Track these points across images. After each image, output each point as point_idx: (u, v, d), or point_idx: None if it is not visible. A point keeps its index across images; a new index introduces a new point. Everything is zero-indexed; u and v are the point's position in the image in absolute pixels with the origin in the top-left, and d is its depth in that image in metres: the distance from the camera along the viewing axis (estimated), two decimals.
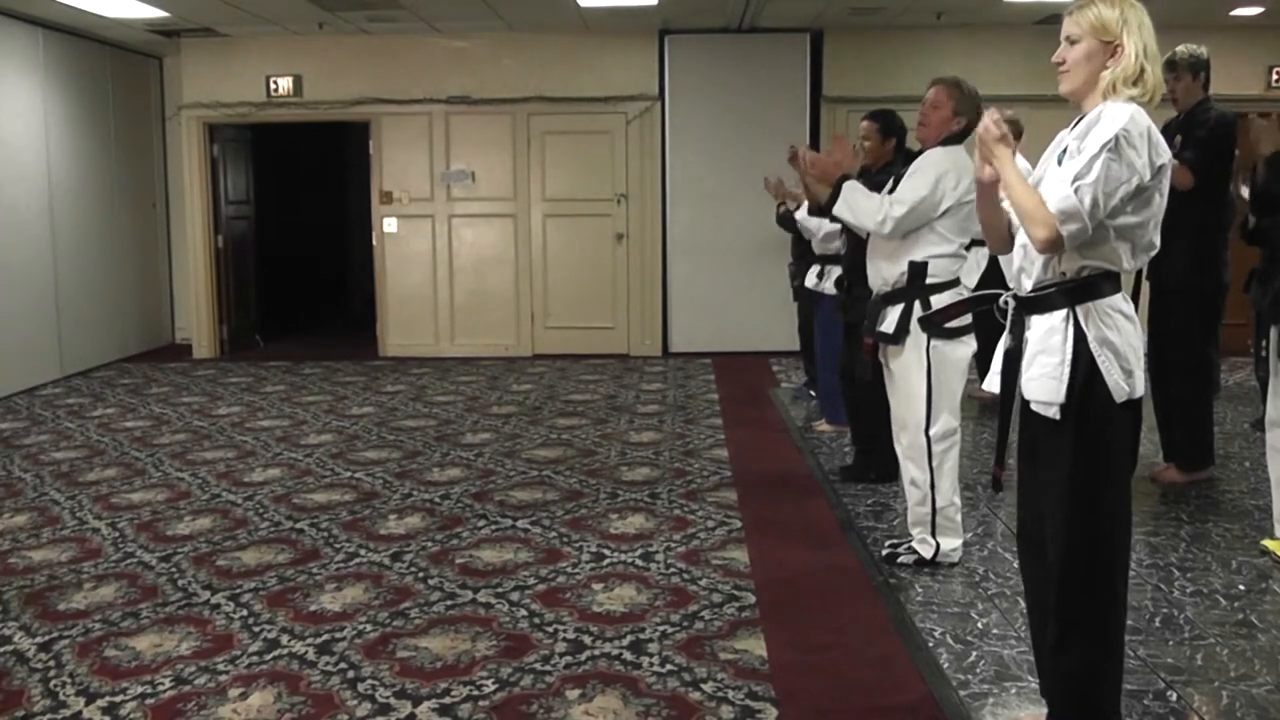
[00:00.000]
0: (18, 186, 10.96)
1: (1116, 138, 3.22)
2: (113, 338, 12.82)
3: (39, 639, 4.84)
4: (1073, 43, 3.40)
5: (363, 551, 5.87)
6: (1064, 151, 3.41)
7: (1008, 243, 3.64)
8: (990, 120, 3.44)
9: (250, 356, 13.13)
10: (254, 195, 14.13)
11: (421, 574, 5.49)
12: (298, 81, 12.72)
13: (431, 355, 12.81)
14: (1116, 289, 3.42)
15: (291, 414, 9.62)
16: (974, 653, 4.42)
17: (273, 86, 12.75)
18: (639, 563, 5.58)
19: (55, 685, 4.37)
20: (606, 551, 5.77)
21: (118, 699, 4.23)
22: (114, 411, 9.94)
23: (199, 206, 13.06)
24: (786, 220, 8.68)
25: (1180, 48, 6.47)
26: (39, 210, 11.32)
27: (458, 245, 12.81)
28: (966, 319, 5.16)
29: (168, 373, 12.05)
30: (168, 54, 13.46)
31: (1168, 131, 6.28)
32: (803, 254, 8.70)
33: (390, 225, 12.88)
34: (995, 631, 4.64)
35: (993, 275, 5.86)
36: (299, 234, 16.05)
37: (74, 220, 11.96)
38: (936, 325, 5.11)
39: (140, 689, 4.31)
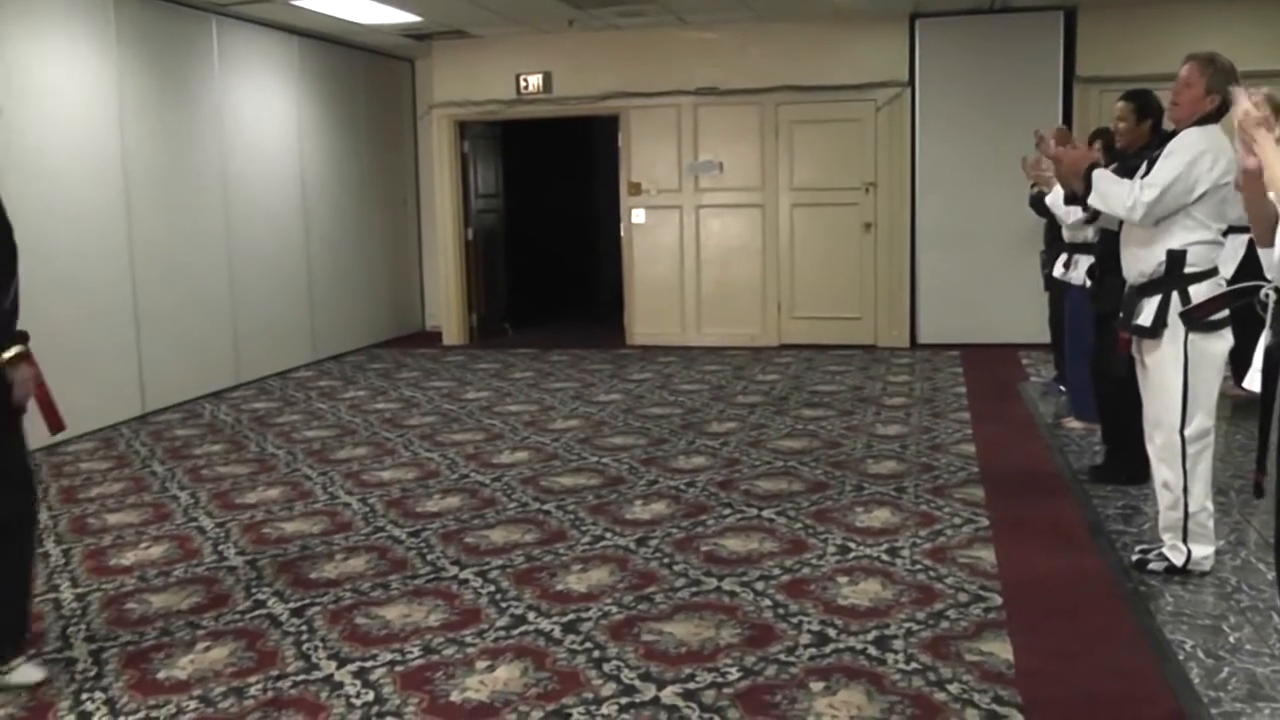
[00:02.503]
0: (275, 185, 11.51)
1: None
2: (364, 325, 13.31)
3: (292, 604, 5.05)
4: None
5: (608, 535, 5.93)
6: None
7: (1274, 235, 3.41)
8: (1250, 103, 3.23)
9: (499, 343, 13.42)
10: (503, 189, 14.46)
11: (666, 559, 5.52)
12: (547, 78, 12.94)
13: (678, 344, 12.88)
14: None
15: (539, 399, 9.79)
16: (1225, 669, 4.20)
17: (523, 84, 13.01)
18: (884, 558, 5.50)
19: (308, 649, 4.54)
20: (852, 545, 5.70)
21: (368, 665, 4.37)
22: (365, 394, 10.28)
23: (449, 201, 13.44)
24: (1038, 202, 8.42)
25: None
26: (293, 206, 11.86)
27: (705, 235, 12.84)
28: (1226, 310, 4.93)
29: (418, 358, 12.41)
30: (419, 56, 13.89)
31: None
32: (1054, 241, 8.45)
33: (638, 216, 12.99)
34: (1248, 647, 4.39)
35: (1250, 264, 5.57)
36: (547, 225, 16.34)
37: (326, 215, 12.49)
38: (1198, 320, 4.89)
39: (390, 656, 4.45)
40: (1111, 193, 5.02)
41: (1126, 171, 5.25)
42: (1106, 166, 5.39)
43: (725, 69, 12.52)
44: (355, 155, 13.17)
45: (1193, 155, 4.87)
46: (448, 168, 13.41)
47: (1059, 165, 5.44)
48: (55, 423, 4.45)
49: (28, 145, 8.26)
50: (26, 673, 4.32)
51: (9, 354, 4.20)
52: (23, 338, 4.28)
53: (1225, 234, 5.10)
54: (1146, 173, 5.02)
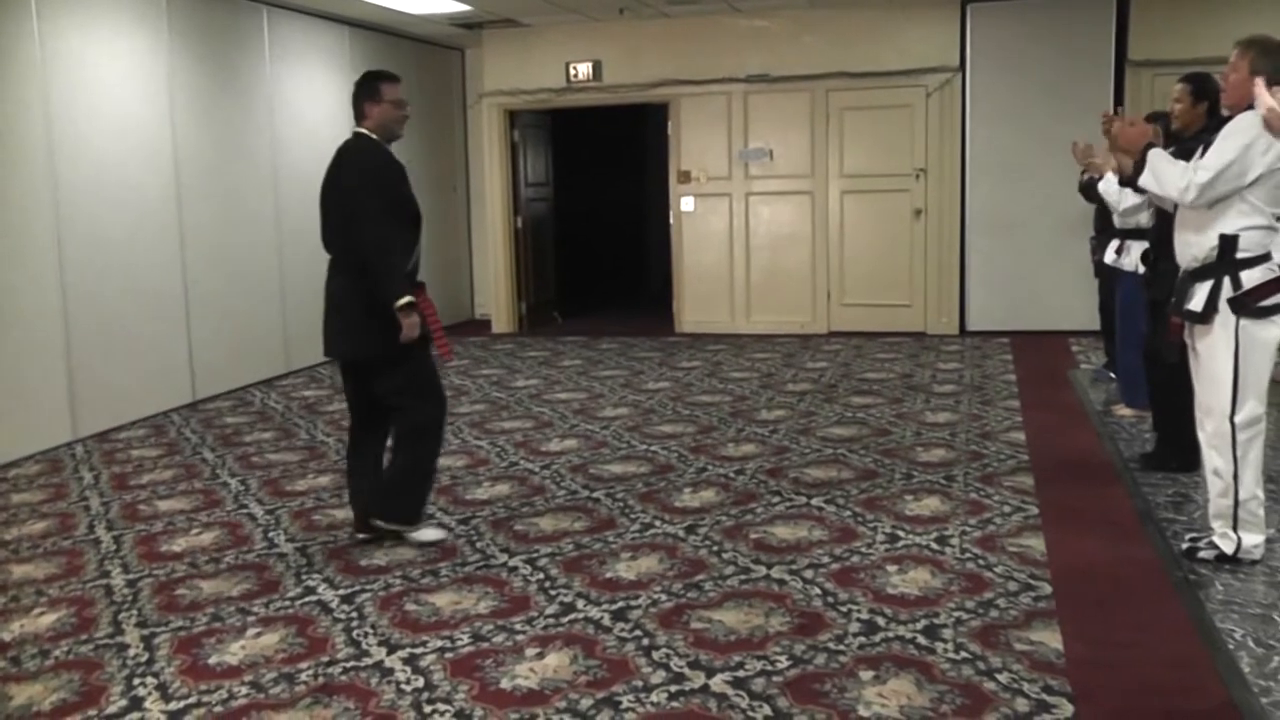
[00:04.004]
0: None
1: None
2: None
3: (342, 591, 5.08)
4: None
5: (658, 523, 5.94)
6: None
7: None
8: (1273, 101, 3.18)
9: (548, 332, 13.45)
10: (553, 177, 14.48)
11: (716, 547, 5.52)
12: (597, 67, 12.94)
13: (727, 332, 12.87)
14: None
15: (588, 387, 9.80)
16: (1276, 658, 4.14)
17: (572, 72, 13.03)
18: (934, 546, 5.47)
19: (358, 635, 4.58)
20: (901, 533, 5.68)
21: (418, 651, 4.40)
22: None
23: (499, 189, 13.49)
24: (1089, 189, 8.36)
25: None
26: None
27: (754, 223, 12.82)
28: (1277, 296, 4.88)
29: (468, 346, 12.45)
30: (469, 45, 13.94)
31: None
32: (1105, 228, 8.37)
33: (688, 204, 12.98)
34: None
35: None
36: (597, 214, 16.34)
37: None
38: (1248, 305, 4.84)
39: (439, 643, 4.47)
40: (1165, 173, 4.96)
41: (1183, 154, 5.19)
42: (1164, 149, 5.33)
43: (776, 56, 12.48)
44: (405, 145, 13.04)
45: (1248, 139, 4.79)
46: (497, 156, 13.44)
47: (1118, 141, 5.38)
48: (445, 351, 5.74)
49: (80, 135, 8.34)
50: (429, 533, 5.72)
51: (401, 303, 5.34)
52: (414, 290, 5.48)
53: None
54: (1203, 156, 4.97)
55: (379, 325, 5.39)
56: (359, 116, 5.93)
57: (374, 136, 5.91)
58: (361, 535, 5.74)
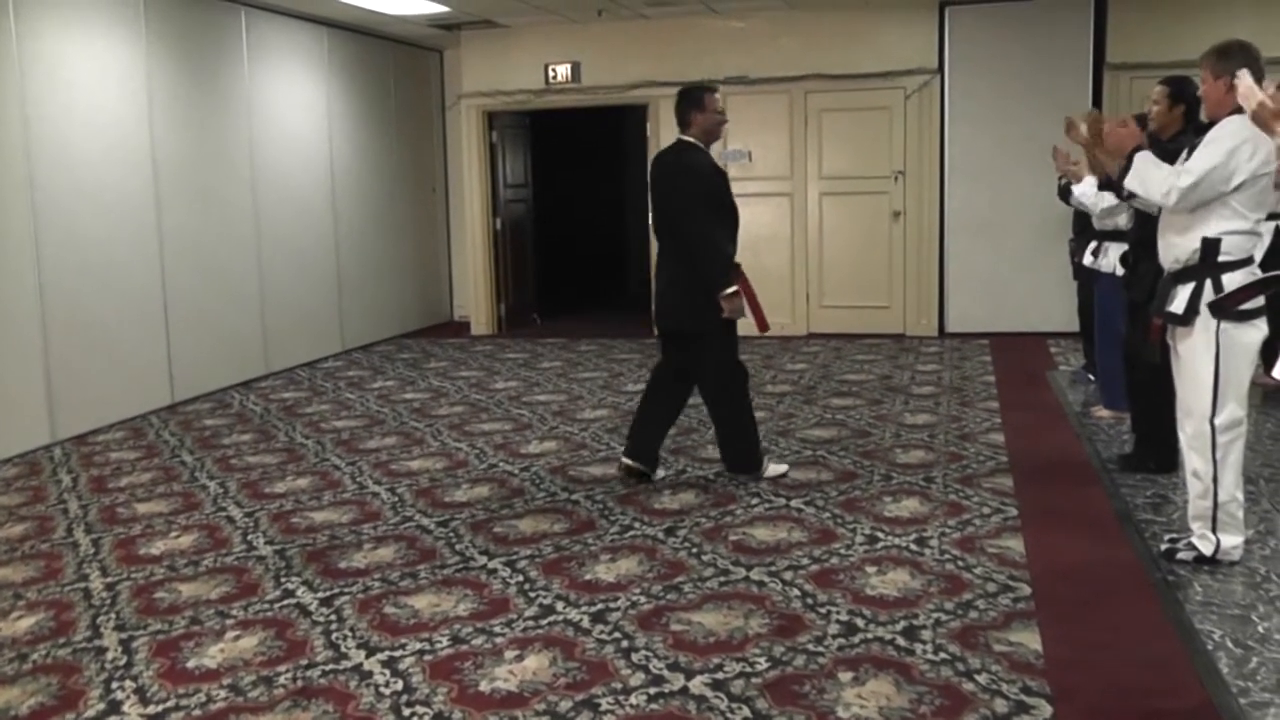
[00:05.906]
0: (304, 176, 11.55)
1: None
2: (392, 315, 13.37)
3: (320, 594, 5.07)
4: None
5: (637, 524, 5.94)
6: None
7: None
8: (1264, 96, 3.20)
9: (527, 333, 13.43)
10: (531, 178, 14.46)
11: (695, 549, 5.52)
12: (575, 68, 12.94)
13: None
14: None
15: (568, 389, 9.80)
16: (1255, 658, 4.16)
17: (551, 74, 13.02)
18: (913, 547, 5.48)
19: (336, 638, 4.57)
20: (880, 534, 5.69)
21: (396, 654, 4.39)
22: (393, 384, 10.31)
23: (478, 191, 13.46)
24: (1067, 193, 8.39)
25: None
26: (322, 196, 11.91)
27: None
28: (1260, 300, 4.89)
29: (446, 348, 12.43)
30: (448, 47, 13.93)
31: None
32: (1083, 230, 8.41)
33: None
34: (1277, 637, 4.34)
35: (1277, 251, 5.52)
36: (576, 215, 16.32)
37: (355, 205, 12.54)
38: (1228, 310, 4.85)
39: (418, 645, 4.47)
40: (1150, 176, 4.98)
41: (1162, 156, 5.21)
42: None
43: (754, 58, 12.48)
44: (384, 146, 13.21)
45: (1233, 144, 4.81)
46: (476, 158, 13.43)
47: (1100, 143, 5.39)
48: (762, 325, 6.65)
49: (58, 136, 8.31)
50: (774, 468, 6.84)
51: (727, 292, 6.34)
52: (735, 276, 6.46)
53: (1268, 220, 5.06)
54: (1188, 159, 4.98)
55: (698, 305, 6.40)
56: (684, 125, 6.70)
57: (695, 142, 6.64)
58: (626, 461, 6.79)
